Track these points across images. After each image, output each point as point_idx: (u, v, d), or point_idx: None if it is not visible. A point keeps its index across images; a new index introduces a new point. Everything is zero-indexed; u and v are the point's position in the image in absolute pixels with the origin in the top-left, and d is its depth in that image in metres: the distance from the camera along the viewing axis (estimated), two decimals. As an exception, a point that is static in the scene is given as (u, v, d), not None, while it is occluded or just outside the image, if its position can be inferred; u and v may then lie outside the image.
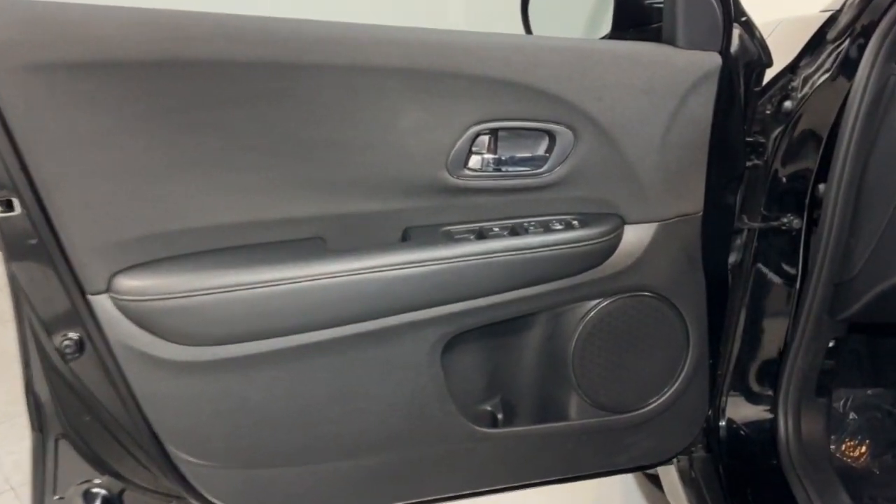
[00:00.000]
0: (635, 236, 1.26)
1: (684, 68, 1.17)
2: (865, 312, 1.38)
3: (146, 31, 0.94)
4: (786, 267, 1.44)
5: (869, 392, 1.79)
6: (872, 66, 1.23)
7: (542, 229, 1.20)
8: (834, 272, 1.36)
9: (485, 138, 1.15)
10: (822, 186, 1.33)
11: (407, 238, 1.18)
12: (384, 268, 1.12)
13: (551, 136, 1.15)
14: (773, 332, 1.48)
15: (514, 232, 1.20)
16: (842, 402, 1.70)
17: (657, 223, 1.26)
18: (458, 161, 1.12)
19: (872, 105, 1.24)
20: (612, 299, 1.29)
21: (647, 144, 1.19)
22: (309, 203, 1.11)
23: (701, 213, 1.29)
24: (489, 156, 1.16)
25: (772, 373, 1.50)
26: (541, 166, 1.17)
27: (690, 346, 1.36)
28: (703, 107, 1.20)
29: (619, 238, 1.25)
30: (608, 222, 1.24)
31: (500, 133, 1.15)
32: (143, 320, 1.05)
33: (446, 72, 1.07)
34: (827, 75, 1.29)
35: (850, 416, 1.70)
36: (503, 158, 1.17)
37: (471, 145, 1.12)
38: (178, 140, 1.00)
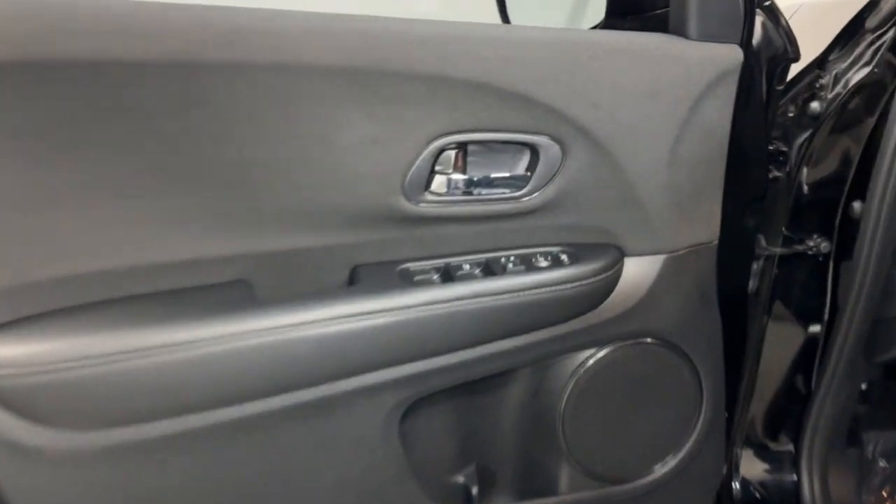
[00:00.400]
0: (638, 272, 1.04)
1: (698, 65, 0.96)
2: None
3: None
4: (811, 299, 1.24)
5: None
6: None
7: (523, 266, 0.98)
8: (871, 307, 1.15)
9: (451, 154, 0.96)
10: (857, 204, 1.14)
11: (355, 280, 0.95)
12: (326, 321, 0.89)
13: (534, 150, 0.95)
14: (796, 376, 1.29)
15: (489, 270, 0.98)
16: (870, 448, 1.48)
17: (664, 255, 1.04)
18: (417, 183, 0.92)
19: None
20: (609, 348, 1.07)
21: (652, 160, 0.98)
22: (227, 238, 0.89)
23: (716, 242, 1.07)
24: (457, 176, 0.96)
25: (794, 423, 1.30)
26: (521, 188, 0.97)
27: (704, 400, 1.14)
28: (720, 112, 0.98)
29: (618, 274, 1.02)
30: (605, 256, 1.01)
31: (471, 148, 0.96)
32: (7, 399, 0.80)
33: (400, 71, 0.85)
34: (866, 71, 1.08)
35: (880, 464, 1.48)
36: (474, 179, 0.97)
37: (433, 163, 0.92)
38: (51, 161, 0.77)
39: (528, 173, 0.97)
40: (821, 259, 1.21)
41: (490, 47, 0.88)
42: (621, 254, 1.03)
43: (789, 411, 1.31)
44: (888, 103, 1.06)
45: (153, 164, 0.81)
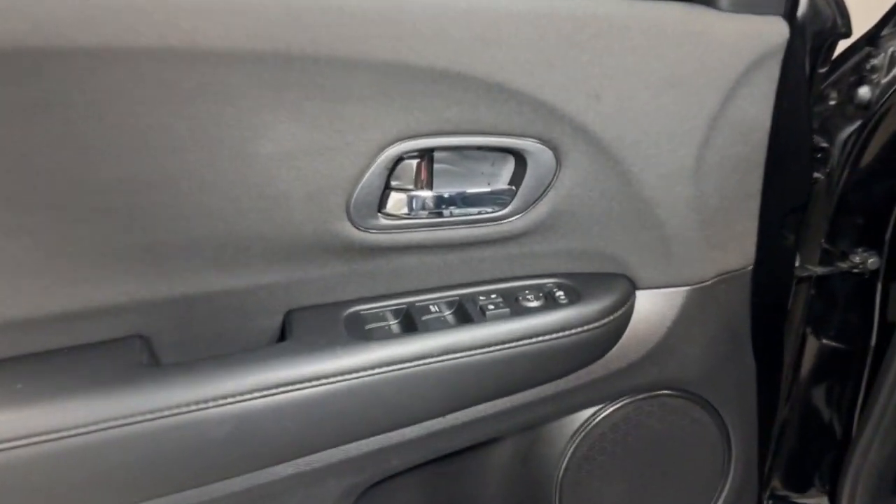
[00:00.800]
0: (653, 309, 0.83)
1: (732, 45, 0.76)
2: None
3: None
4: (854, 326, 1.06)
5: None
6: None
7: (507, 308, 0.77)
8: None
9: (411, 165, 0.74)
10: None
11: (289, 331, 0.74)
12: (248, 393, 0.67)
13: (520, 158, 0.76)
14: (834, 417, 1.10)
15: (463, 313, 0.78)
16: None
17: (687, 288, 0.85)
18: (366, 203, 0.72)
19: None
20: (618, 404, 0.87)
21: (672, 167, 0.78)
22: (115, 283, 0.68)
23: (751, 268, 0.85)
24: (420, 193, 0.75)
25: (830, 471, 1.10)
26: (504, 206, 0.77)
27: (733, 461, 0.94)
28: (759, 104, 0.78)
29: (628, 313, 0.82)
30: (612, 290, 0.81)
31: (437, 156, 0.75)
32: None
33: (340, 58, 0.64)
34: None
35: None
36: (444, 196, 0.76)
37: (387, 177, 0.72)
38: None
39: (513, 187, 0.77)
40: (867, 277, 1.03)
41: (460, 24, 0.66)
42: (632, 287, 0.84)
43: (825, 458, 1.11)
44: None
45: (6, 186, 0.59)
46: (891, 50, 0.92)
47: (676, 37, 0.73)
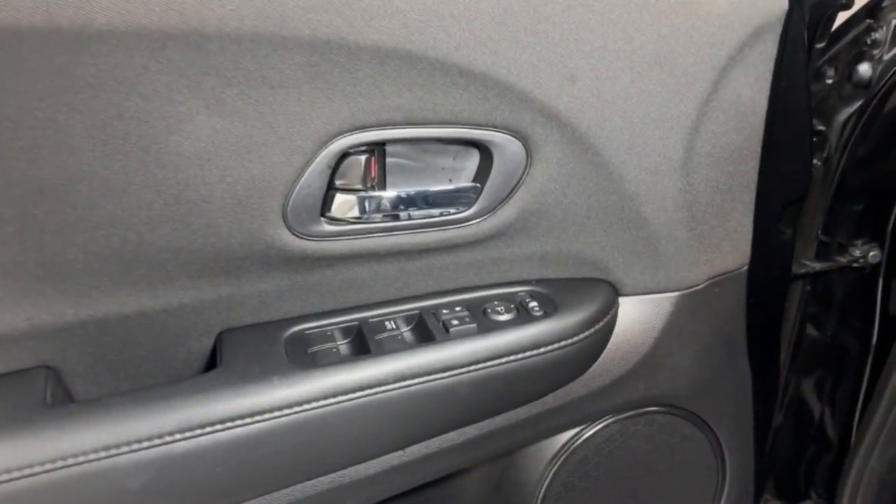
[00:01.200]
0: (639, 317, 0.75)
1: (725, 18, 0.67)
2: None
3: None
4: (854, 324, 0.99)
5: None
6: None
7: (473, 323, 0.68)
8: None
9: (358, 162, 0.65)
10: None
11: (221, 356, 0.64)
12: (171, 435, 0.57)
13: (485, 151, 0.67)
14: (830, 419, 1.03)
15: (423, 330, 0.69)
16: None
17: (676, 293, 0.76)
18: (306, 207, 0.63)
19: None
20: (601, 424, 0.79)
21: (658, 159, 0.69)
22: (12, 304, 0.58)
23: (746, 268, 0.77)
24: (371, 193, 0.66)
25: (827, 479, 1.04)
26: (468, 206, 0.69)
27: (727, 480, 0.86)
28: (754, 86, 0.70)
29: (611, 323, 0.73)
30: (593, 298, 0.72)
31: (389, 150, 0.65)
32: None
33: (262, 35, 0.54)
34: None
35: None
36: (400, 196, 0.67)
37: (330, 176, 0.63)
38: None
39: (478, 184, 0.68)
40: (867, 271, 0.95)
41: None
42: (615, 294, 0.75)
43: (822, 465, 1.03)
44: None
45: None
46: (893, 22, 0.84)
47: (662, 8, 0.64)
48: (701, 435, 0.84)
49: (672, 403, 0.80)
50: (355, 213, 0.65)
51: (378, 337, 0.66)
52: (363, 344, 0.65)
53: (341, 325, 0.67)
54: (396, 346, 0.65)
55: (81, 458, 0.55)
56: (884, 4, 0.86)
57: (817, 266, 0.91)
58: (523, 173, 0.66)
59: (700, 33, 0.65)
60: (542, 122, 0.63)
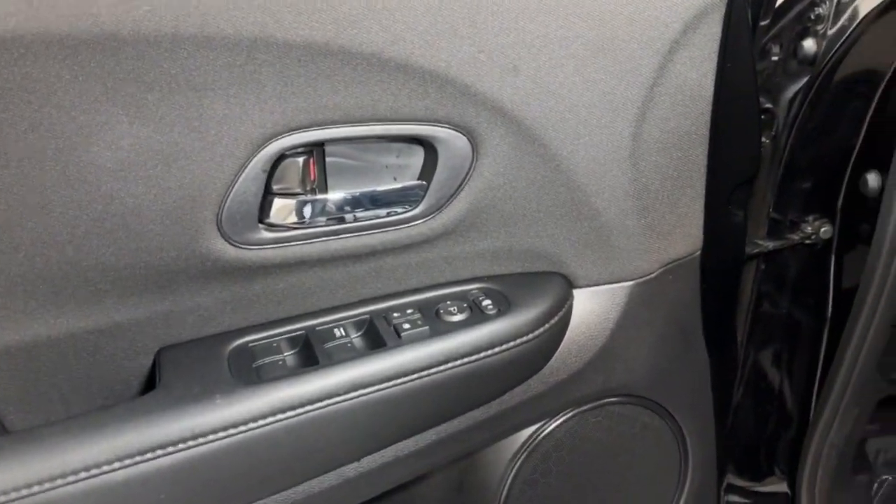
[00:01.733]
0: (594, 309, 0.73)
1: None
2: None
3: None
4: (807, 301, 0.98)
5: None
6: None
7: (426, 325, 0.66)
8: (891, 308, 0.87)
9: (296, 164, 0.61)
10: (872, 176, 0.88)
11: (161, 375, 0.60)
12: (108, 464, 0.53)
13: (429, 147, 0.64)
14: (789, 396, 1.03)
15: (373, 336, 0.66)
16: (876, 462, 1.23)
17: (630, 283, 0.75)
18: (241, 214, 0.59)
19: None
20: (561, 419, 0.78)
21: (606, 148, 0.67)
22: None
23: (699, 253, 0.76)
24: (311, 196, 0.62)
25: (789, 455, 1.05)
26: (414, 204, 0.66)
27: (690, 465, 0.85)
28: (699, 67, 0.68)
29: (566, 317, 0.71)
30: (546, 292, 0.70)
31: (329, 150, 0.62)
32: None
33: (183, 36, 0.51)
34: None
35: (884, 477, 1.23)
36: (343, 198, 0.64)
37: (267, 181, 0.59)
38: None
39: (424, 182, 0.65)
40: (819, 247, 0.95)
41: None
42: (569, 286, 0.73)
43: (782, 442, 1.04)
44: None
45: None
46: (837, -1, 0.84)
47: None
48: (661, 422, 0.83)
49: (630, 393, 0.79)
50: (295, 217, 0.62)
51: (327, 346, 0.63)
52: (311, 354, 0.62)
53: (287, 336, 0.64)
54: (346, 355, 0.62)
55: (13, 495, 0.51)
56: (829, -21, 0.86)
57: (770, 245, 0.91)
58: (470, 168, 0.64)
59: (643, 17, 0.63)
60: (486, 115, 0.61)
